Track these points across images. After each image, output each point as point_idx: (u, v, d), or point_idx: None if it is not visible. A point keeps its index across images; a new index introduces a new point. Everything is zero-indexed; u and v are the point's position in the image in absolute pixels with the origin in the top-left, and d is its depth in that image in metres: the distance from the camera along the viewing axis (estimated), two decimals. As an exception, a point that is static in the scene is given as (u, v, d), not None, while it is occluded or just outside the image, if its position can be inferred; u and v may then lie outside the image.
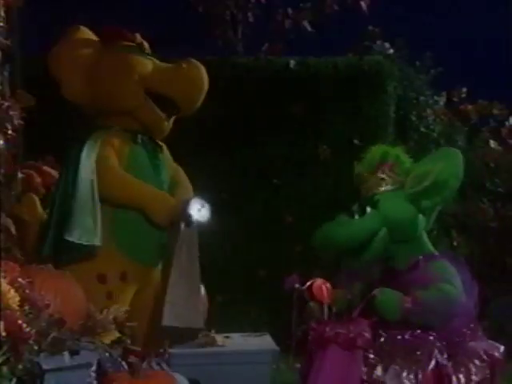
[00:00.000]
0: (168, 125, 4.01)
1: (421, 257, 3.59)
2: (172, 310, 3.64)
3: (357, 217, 3.61)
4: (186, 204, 3.77)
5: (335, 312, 3.53)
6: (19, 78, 4.13)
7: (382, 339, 3.45)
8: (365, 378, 3.38)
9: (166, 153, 4.04)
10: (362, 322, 3.43)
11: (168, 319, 3.62)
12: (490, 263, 6.74)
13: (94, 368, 3.13)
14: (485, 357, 3.47)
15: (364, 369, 3.38)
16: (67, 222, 3.63)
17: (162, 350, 3.82)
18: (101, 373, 3.21)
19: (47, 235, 3.68)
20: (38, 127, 4.49)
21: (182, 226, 3.74)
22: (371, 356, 3.41)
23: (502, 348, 3.57)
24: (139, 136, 3.91)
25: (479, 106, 8.15)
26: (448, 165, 3.64)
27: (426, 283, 3.47)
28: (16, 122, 3.66)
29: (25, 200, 3.89)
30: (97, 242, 3.66)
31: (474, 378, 3.42)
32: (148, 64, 3.95)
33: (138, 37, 4.03)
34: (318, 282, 3.53)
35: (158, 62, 4.02)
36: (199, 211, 3.78)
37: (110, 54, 3.93)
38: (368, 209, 3.59)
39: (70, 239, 3.60)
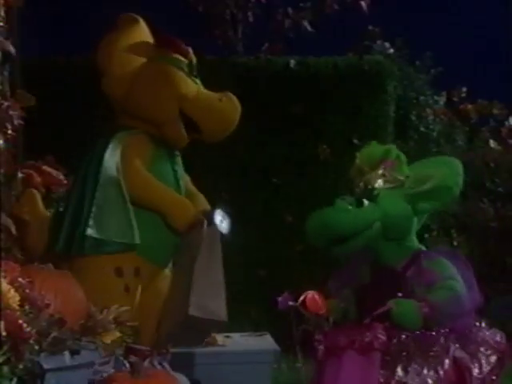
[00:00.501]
0: (185, 143, 4.05)
1: (415, 254, 3.58)
2: (197, 301, 3.68)
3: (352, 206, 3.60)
4: (210, 215, 3.85)
5: (333, 321, 3.53)
6: (19, 78, 4.12)
7: (396, 340, 3.44)
8: (382, 380, 3.37)
9: (180, 162, 4.07)
10: (376, 326, 3.41)
11: (194, 309, 3.66)
12: (489, 263, 6.74)
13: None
14: (494, 345, 3.48)
15: (382, 371, 3.38)
16: (96, 220, 3.69)
17: (164, 350, 3.83)
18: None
19: (61, 232, 3.73)
20: (37, 127, 4.49)
21: (205, 225, 3.79)
22: (388, 358, 3.40)
23: (503, 335, 3.58)
24: (161, 143, 3.94)
25: (479, 106, 8.15)
26: (451, 172, 3.62)
27: (429, 282, 3.46)
28: (16, 121, 3.65)
29: (25, 196, 3.91)
30: (137, 240, 3.73)
31: (484, 367, 3.43)
32: (192, 87, 3.97)
33: (191, 53, 4.03)
34: (310, 294, 3.52)
35: (201, 87, 4.03)
36: (221, 222, 3.85)
37: (161, 63, 3.94)
38: (365, 201, 3.58)
39: (106, 238, 3.68)
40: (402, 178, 3.62)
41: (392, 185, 3.62)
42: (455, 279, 3.46)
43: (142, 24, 4.06)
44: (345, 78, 6.72)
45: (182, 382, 3.75)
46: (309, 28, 7.28)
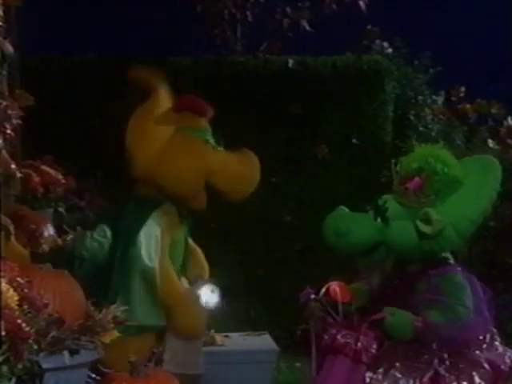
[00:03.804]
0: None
1: (429, 266, 3.49)
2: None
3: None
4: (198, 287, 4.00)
5: (357, 308, 3.53)
6: (18, 78, 4.12)
7: (386, 344, 3.43)
8: (368, 380, 3.37)
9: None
10: (370, 334, 3.41)
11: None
12: (488, 262, 6.73)
13: None
14: (488, 367, 3.41)
15: (370, 374, 3.38)
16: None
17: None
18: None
19: None
20: (36, 127, 4.49)
21: None
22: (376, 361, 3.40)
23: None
24: (184, 213, 3.97)
25: (477, 105, 8.13)
26: (462, 218, 3.53)
27: (435, 298, 3.40)
28: (14, 121, 3.65)
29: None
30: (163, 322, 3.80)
31: None
32: (218, 158, 3.93)
33: (210, 111, 3.98)
34: (333, 284, 3.53)
35: (223, 153, 3.98)
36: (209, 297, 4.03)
37: (184, 136, 3.87)
38: (378, 219, 3.50)
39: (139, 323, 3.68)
40: (424, 200, 3.46)
41: (412, 203, 3.48)
42: (463, 302, 3.38)
43: (162, 90, 3.90)
44: (343, 77, 6.72)
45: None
46: (307, 27, 7.28)
